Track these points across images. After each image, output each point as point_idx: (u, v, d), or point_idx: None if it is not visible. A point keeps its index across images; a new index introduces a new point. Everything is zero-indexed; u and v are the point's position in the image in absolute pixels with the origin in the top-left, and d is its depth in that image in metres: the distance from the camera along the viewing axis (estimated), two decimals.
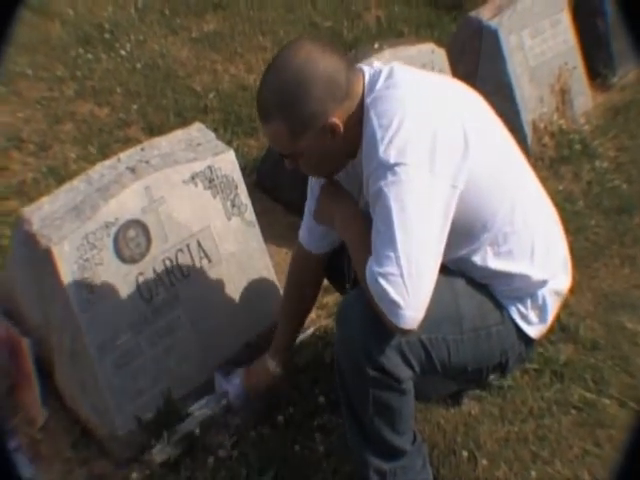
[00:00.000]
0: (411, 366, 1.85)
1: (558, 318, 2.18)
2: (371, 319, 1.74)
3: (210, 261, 2.45)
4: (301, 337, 2.65)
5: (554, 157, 3.99)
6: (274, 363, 2.37)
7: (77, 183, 2.26)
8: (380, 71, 1.85)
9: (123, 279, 2.24)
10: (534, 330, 2.00)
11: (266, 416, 2.40)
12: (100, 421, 2.28)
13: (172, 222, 2.34)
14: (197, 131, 2.55)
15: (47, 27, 4.94)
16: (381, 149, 1.69)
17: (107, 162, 2.34)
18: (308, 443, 2.32)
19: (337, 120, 1.79)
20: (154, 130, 3.87)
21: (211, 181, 2.44)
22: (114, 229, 2.20)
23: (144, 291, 2.30)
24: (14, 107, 4.09)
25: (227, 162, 2.49)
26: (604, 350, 2.72)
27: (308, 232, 2.24)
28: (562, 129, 4.14)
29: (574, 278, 2.09)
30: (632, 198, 3.65)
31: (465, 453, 2.31)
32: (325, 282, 2.84)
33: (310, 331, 2.72)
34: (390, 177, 1.67)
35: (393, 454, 1.98)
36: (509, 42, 3.93)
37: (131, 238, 2.24)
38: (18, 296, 2.42)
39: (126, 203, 2.23)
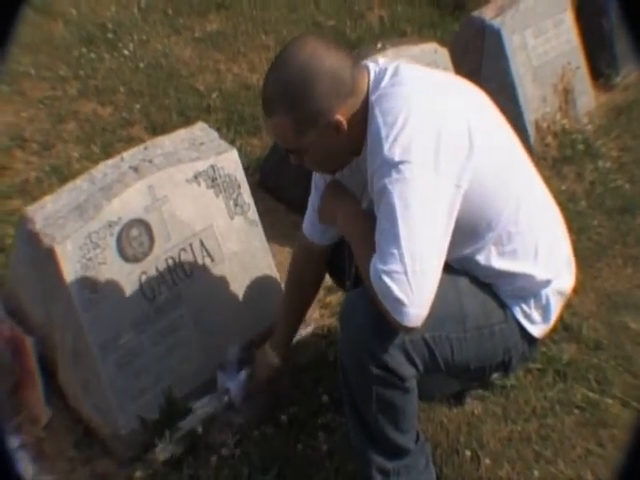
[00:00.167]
0: (414, 364, 1.85)
1: (561, 318, 2.18)
2: (375, 317, 1.74)
3: (213, 260, 2.45)
4: (302, 334, 2.66)
5: (557, 157, 3.98)
6: (273, 354, 2.37)
7: (80, 182, 2.26)
8: (386, 69, 1.85)
9: (126, 278, 2.25)
10: (537, 329, 2.00)
11: (269, 415, 2.40)
12: (103, 420, 2.28)
13: (175, 221, 2.34)
14: (200, 130, 2.56)
15: (50, 27, 4.95)
16: (386, 147, 1.69)
17: (110, 161, 2.34)
18: (311, 442, 2.32)
19: (341, 117, 1.79)
20: (157, 129, 3.87)
21: (214, 180, 2.44)
22: (117, 228, 2.20)
23: (147, 290, 2.30)
24: (17, 106, 4.09)
25: (230, 161, 2.50)
26: (607, 350, 2.72)
27: (311, 225, 2.24)
28: (565, 129, 4.14)
29: (577, 278, 2.09)
30: (635, 198, 3.64)
31: (468, 452, 2.31)
32: (328, 282, 2.86)
33: (311, 328, 2.72)
34: (394, 175, 1.67)
35: (396, 453, 1.97)
36: (512, 42, 3.93)
37: (134, 237, 2.25)
38: (21, 295, 2.42)
39: (129, 202, 2.23)
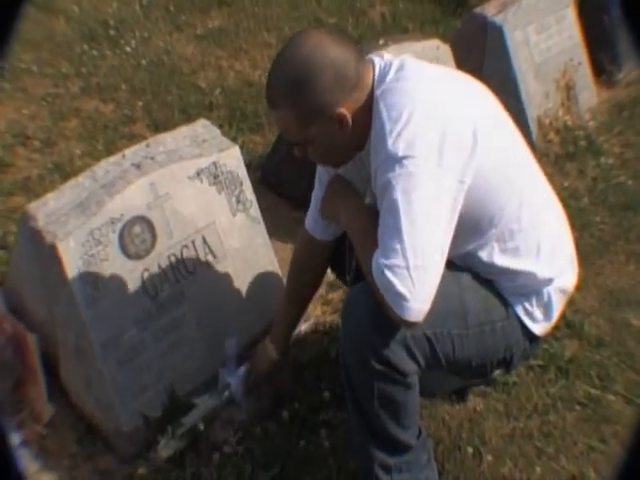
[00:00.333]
0: (416, 360, 1.85)
1: (563, 315, 2.17)
2: (376, 313, 1.74)
3: (215, 257, 2.46)
4: (303, 328, 2.66)
5: (559, 153, 3.98)
6: (273, 348, 2.38)
7: (82, 179, 2.26)
8: (391, 63, 1.84)
9: (128, 275, 2.25)
10: (539, 327, 2.00)
11: (271, 412, 2.40)
12: (105, 417, 2.29)
13: (177, 218, 2.34)
14: (202, 127, 2.56)
15: (52, 24, 4.95)
16: (390, 141, 1.69)
17: (112, 158, 2.34)
18: (313, 438, 2.32)
19: (345, 111, 1.79)
20: (159, 127, 3.87)
21: (216, 177, 2.44)
22: (119, 225, 2.21)
23: (149, 287, 2.30)
24: (19, 104, 4.09)
25: (232, 158, 2.50)
26: (609, 347, 2.72)
27: (313, 220, 2.23)
28: (567, 125, 4.13)
29: (579, 275, 2.08)
30: (637, 194, 3.64)
31: (470, 449, 2.31)
32: (330, 278, 2.86)
33: (311, 321, 2.73)
34: (398, 170, 1.67)
35: (398, 449, 1.98)
36: (514, 38, 3.92)
37: (136, 234, 2.25)
38: (24, 292, 2.42)
39: (131, 199, 2.24)
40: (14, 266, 2.50)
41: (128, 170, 2.29)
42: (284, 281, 2.62)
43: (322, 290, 2.93)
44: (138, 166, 2.30)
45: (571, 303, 2.36)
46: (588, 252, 3.16)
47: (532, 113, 3.99)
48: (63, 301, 2.19)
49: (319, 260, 2.34)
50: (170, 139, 2.45)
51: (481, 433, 2.37)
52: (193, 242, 2.39)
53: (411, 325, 1.70)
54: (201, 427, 2.31)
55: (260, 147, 3.85)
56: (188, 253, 2.38)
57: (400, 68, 1.83)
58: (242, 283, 2.54)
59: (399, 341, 1.81)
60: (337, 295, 2.88)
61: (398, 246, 1.65)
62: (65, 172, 3.43)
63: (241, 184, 2.52)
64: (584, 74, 4.37)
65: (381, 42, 3.22)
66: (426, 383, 1.97)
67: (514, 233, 1.89)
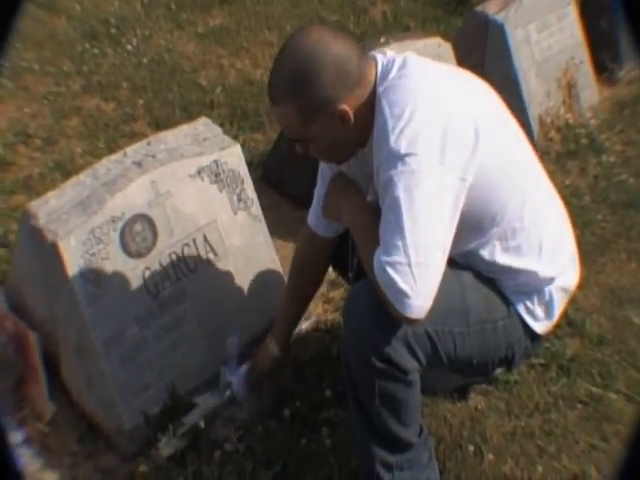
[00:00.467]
0: (417, 358, 1.85)
1: (565, 313, 2.17)
2: (377, 310, 1.74)
3: (216, 255, 2.45)
4: (304, 326, 2.66)
5: (561, 151, 3.97)
6: (274, 345, 2.37)
7: (83, 177, 2.26)
8: (394, 60, 1.84)
9: (129, 273, 2.25)
10: (540, 326, 2.00)
11: (272, 410, 2.40)
12: (106, 415, 2.29)
13: (178, 216, 2.34)
14: (203, 125, 2.55)
15: (53, 22, 4.95)
16: (392, 139, 1.69)
17: (113, 156, 2.34)
18: (314, 437, 2.32)
19: (347, 107, 1.78)
20: (160, 125, 3.87)
21: (217, 175, 2.44)
22: (120, 223, 2.21)
23: (150, 285, 2.30)
24: (21, 102, 4.09)
25: (233, 156, 2.49)
26: (611, 345, 2.71)
27: (316, 217, 2.23)
28: (569, 123, 4.13)
29: (581, 273, 2.08)
30: (639, 192, 3.63)
31: (471, 447, 2.31)
32: (332, 276, 2.86)
33: (313, 320, 2.73)
34: (400, 167, 1.67)
35: (399, 446, 1.97)
36: (515, 36, 3.92)
37: (137, 232, 2.25)
38: (25, 290, 2.43)
39: (132, 197, 2.23)
40: (15, 264, 2.50)
41: (129, 168, 2.29)
42: (285, 279, 2.62)
43: (323, 288, 2.93)
44: (139, 164, 2.30)
45: (573, 301, 2.36)
46: (589, 250, 3.16)
47: (533, 111, 3.99)
48: (64, 299, 2.19)
49: (321, 257, 2.34)
50: (171, 137, 2.45)
51: (482, 431, 2.37)
52: (194, 240, 2.39)
53: (412, 322, 1.70)
54: (202, 425, 2.31)
55: (261, 145, 3.85)
56: (189, 251, 2.38)
57: (402, 65, 1.82)
58: (243, 281, 2.54)
59: (400, 339, 1.81)
60: (338, 293, 2.88)
61: (400, 243, 1.65)
62: (66, 170, 3.43)
63: (242, 182, 2.52)
64: (585, 72, 4.36)
65: (382, 40, 3.22)
66: (427, 381, 1.97)
67: (516, 232, 1.89)
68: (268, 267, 2.63)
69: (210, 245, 2.43)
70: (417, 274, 1.64)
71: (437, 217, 1.69)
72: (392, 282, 1.65)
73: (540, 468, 2.27)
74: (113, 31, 4.91)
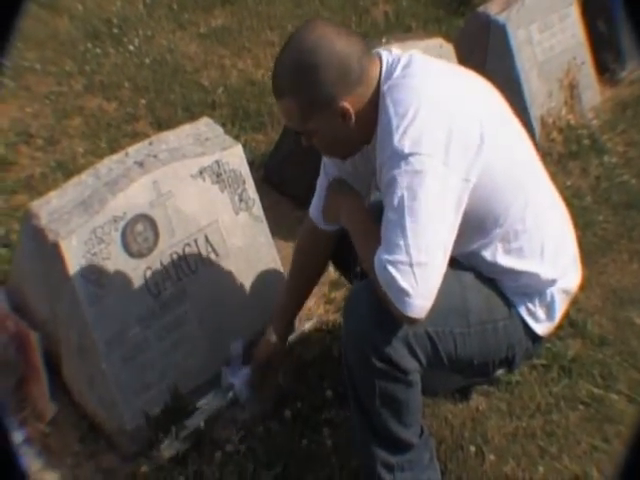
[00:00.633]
0: (417, 358, 1.85)
1: (567, 314, 2.17)
2: (378, 310, 1.74)
3: (218, 255, 2.45)
4: (306, 327, 2.67)
5: (562, 152, 3.97)
6: (271, 331, 2.37)
7: (85, 177, 2.26)
8: (399, 59, 1.84)
9: (131, 273, 2.25)
10: (541, 327, 2.00)
11: (274, 411, 2.40)
12: (108, 415, 2.29)
13: (180, 216, 2.34)
14: (205, 126, 2.55)
15: (56, 22, 4.96)
16: (396, 138, 1.69)
17: (115, 156, 2.34)
18: (316, 437, 2.32)
19: (347, 104, 1.78)
20: (162, 125, 3.88)
21: (219, 175, 2.44)
22: (122, 223, 2.21)
23: (152, 286, 2.30)
24: (23, 102, 4.10)
25: (235, 157, 2.49)
26: (612, 346, 2.71)
27: (317, 209, 2.22)
28: (570, 124, 4.12)
29: (582, 274, 2.08)
30: None
31: (473, 448, 2.31)
32: (333, 277, 2.86)
33: (314, 320, 2.73)
34: (403, 166, 1.67)
35: (400, 447, 1.97)
36: (517, 37, 3.91)
37: (139, 232, 2.25)
38: (26, 290, 2.43)
39: (134, 197, 2.24)
40: (17, 264, 2.50)
41: (131, 168, 2.29)
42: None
43: (325, 289, 2.94)
44: (141, 164, 2.30)
45: (574, 302, 2.36)
46: (591, 251, 3.15)
47: (535, 112, 3.99)
48: (66, 299, 2.19)
49: (322, 249, 2.33)
50: (173, 137, 2.45)
51: (484, 432, 2.37)
52: (195, 240, 2.39)
53: (413, 322, 1.70)
54: (202, 425, 2.31)
55: (263, 145, 3.85)
56: (190, 251, 2.38)
57: (407, 64, 1.82)
58: (244, 281, 2.54)
59: (400, 339, 1.81)
60: (340, 294, 2.88)
61: (402, 242, 1.65)
62: (68, 170, 3.43)
63: (244, 182, 2.52)
64: (587, 73, 4.36)
65: (384, 41, 3.22)
66: (428, 382, 1.97)
67: (518, 234, 1.89)
68: (269, 267, 2.63)
69: (211, 245, 2.43)
70: (418, 274, 1.64)
71: (439, 217, 1.69)
72: (393, 280, 1.65)
73: (541, 469, 2.26)
74: (115, 31, 4.92)
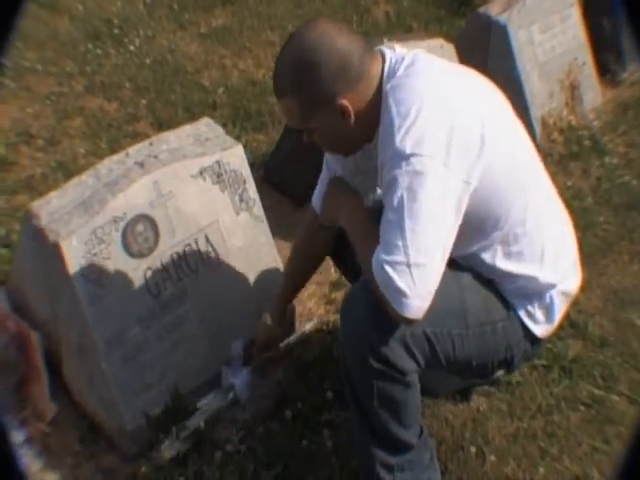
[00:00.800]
0: (415, 358, 1.84)
1: (567, 315, 2.17)
2: (375, 311, 1.74)
3: (218, 256, 2.45)
4: (306, 327, 2.67)
5: (563, 153, 3.97)
6: (268, 315, 2.40)
7: (85, 178, 2.26)
8: (403, 58, 1.83)
9: (131, 274, 2.25)
10: (540, 329, 1.98)
11: (274, 411, 2.40)
12: (108, 415, 2.29)
13: (180, 217, 2.34)
14: (205, 126, 2.55)
15: (56, 22, 4.96)
16: (397, 138, 1.68)
17: (115, 157, 2.34)
18: (316, 438, 2.32)
19: (347, 102, 1.78)
20: (163, 125, 3.88)
21: (219, 176, 2.44)
22: (122, 224, 2.21)
23: (152, 286, 2.30)
24: (23, 102, 4.10)
25: (235, 157, 2.49)
26: (613, 347, 2.71)
27: (319, 199, 2.22)
28: (571, 125, 4.12)
29: (583, 275, 2.07)
30: None
31: (473, 449, 2.31)
32: (333, 278, 2.85)
33: (315, 321, 2.73)
34: (405, 167, 1.66)
35: (399, 448, 1.97)
36: (518, 37, 3.91)
37: (139, 233, 2.25)
38: (27, 290, 2.43)
39: (134, 198, 2.23)
40: (17, 264, 2.50)
41: (131, 169, 2.29)
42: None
43: (325, 289, 2.94)
44: (141, 165, 2.30)
45: (575, 303, 2.35)
46: (592, 252, 3.15)
47: (536, 113, 3.98)
48: (66, 299, 2.19)
49: (322, 239, 2.31)
50: (173, 138, 2.45)
51: (484, 433, 2.37)
52: (196, 241, 2.39)
53: (410, 322, 1.70)
54: (202, 425, 2.31)
55: (263, 146, 3.85)
56: (191, 251, 2.38)
57: (411, 63, 1.81)
58: (245, 281, 2.54)
59: (398, 339, 1.80)
60: (340, 294, 2.87)
61: (400, 243, 1.65)
62: (69, 171, 3.44)
63: (244, 183, 2.52)
64: (588, 74, 4.36)
65: (385, 41, 3.22)
66: (428, 383, 1.97)
67: (518, 237, 1.88)
68: (270, 267, 2.62)
69: (212, 245, 2.43)
70: (416, 274, 1.64)
71: (439, 219, 1.68)
72: (390, 281, 1.65)
73: (542, 470, 2.26)
74: (116, 31, 4.92)
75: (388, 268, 1.65)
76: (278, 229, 2.77)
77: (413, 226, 1.65)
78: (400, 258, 1.64)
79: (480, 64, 3.76)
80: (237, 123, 4.01)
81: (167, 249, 2.32)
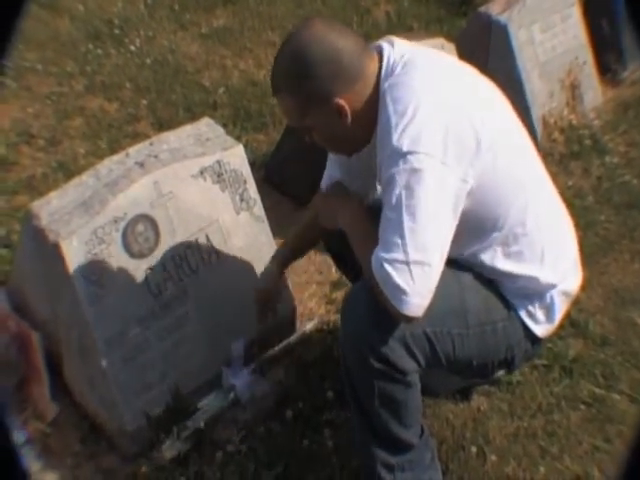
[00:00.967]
0: (415, 358, 1.84)
1: (568, 314, 2.17)
2: (375, 311, 1.74)
3: (219, 255, 2.45)
4: (307, 327, 2.67)
5: (564, 152, 3.96)
6: (270, 265, 2.39)
7: (86, 178, 2.26)
8: (401, 55, 1.82)
9: (132, 274, 2.25)
10: (541, 329, 1.98)
11: (275, 411, 2.40)
12: (109, 416, 2.29)
13: (181, 217, 2.34)
14: (206, 126, 2.55)
15: (57, 23, 4.96)
16: (395, 136, 1.68)
17: (116, 157, 2.34)
18: (316, 438, 2.32)
19: (343, 102, 1.78)
20: (163, 125, 3.88)
21: (220, 176, 2.44)
22: (123, 224, 2.21)
23: (152, 286, 2.30)
24: (24, 102, 4.10)
25: (236, 157, 2.49)
26: (614, 346, 2.71)
27: (330, 180, 2.20)
28: (572, 124, 4.12)
29: (584, 274, 2.07)
30: None
31: (474, 448, 2.31)
32: (334, 277, 2.85)
33: (316, 321, 2.73)
34: (402, 165, 1.66)
35: (400, 447, 1.97)
36: (519, 37, 3.91)
37: (140, 233, 2.25)
38: (27, 290, 2.43)
39: (135, 198, 2.23)
40: (18, 265, 2.50)
41: (132, 169, 2.29)
42: (288, 280, 2.62)
43: (326, 289, 2.94)
44: (142, 165, 2.30)
45: (576, 302, 2.35)
46: (593, 251, 3.15)
47: (537, 112, 3.98)
48: (66, 299, 2.20)
49: None
50: (174, 138, 2.45)
51: (485, 432, 2.37)
52: (197, 240, 2.39)
53: (409, 320, 1.70)
54: (202, 425, 2.31)
55: (264, 146, 3.85)
56: (191, 251, 2.38)
57: (409, 61, 1.80)
58: (246, 281, 2.53)
59: (398, 339, 1.80)
60: (341, 294, 2.87)
61: (399, 241, 1.65)
62: (69, 171, 3.44)
63: (245, 183, 2.52)
64: (589, 73, 4.35)
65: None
66: (429, 382, 1.97)
67: (518, 237, 1.87)
68: None
69: (212, 245, 2.43)
70: (415, 272, 1.64)
71: (437, 216, 1.68)
72: (389, 278, 1.65)
73: (543, 469, 2.26)
74: (116, 32, 4.92)
75: (387, 266, 1.65)
76: (279, 229, 2.77)
77: (411, 224, 1.65)
78: (399, 256, 1.64)
79: (481, 64, 3.75)
80: (237, 123, 4.01)
81: (168, 249, 2.32)
